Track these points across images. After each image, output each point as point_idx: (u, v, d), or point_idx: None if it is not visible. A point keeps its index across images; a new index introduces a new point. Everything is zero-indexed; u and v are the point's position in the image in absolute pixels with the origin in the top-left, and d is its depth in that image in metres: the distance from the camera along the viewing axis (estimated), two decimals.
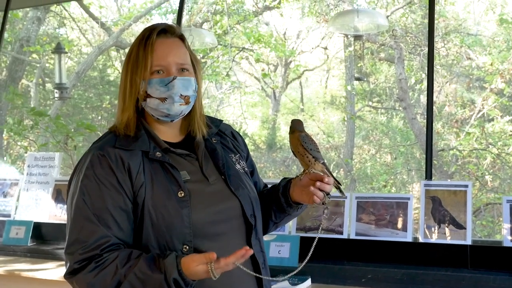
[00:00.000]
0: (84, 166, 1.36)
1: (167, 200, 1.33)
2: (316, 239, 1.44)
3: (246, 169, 1.53)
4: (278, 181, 1.57)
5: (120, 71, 1.47)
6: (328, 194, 1.42)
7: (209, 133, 1.50)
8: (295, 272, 1.40)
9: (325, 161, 1.50)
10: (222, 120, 1.58)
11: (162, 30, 1.42)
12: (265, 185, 1.66)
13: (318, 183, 1.39)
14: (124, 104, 1.41)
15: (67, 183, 1.44)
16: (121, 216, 1.32)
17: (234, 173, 1.46)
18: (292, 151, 1.52)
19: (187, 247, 1.32)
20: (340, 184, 1.51)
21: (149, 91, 1.39)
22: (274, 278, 1.47)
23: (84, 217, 1.31)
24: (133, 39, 1.61)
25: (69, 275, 1.31)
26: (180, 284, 1.24)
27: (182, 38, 1.45)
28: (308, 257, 1.44)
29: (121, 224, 1.32)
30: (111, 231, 1.30)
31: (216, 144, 1.49)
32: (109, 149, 1.36)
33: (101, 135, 1.50)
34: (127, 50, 1.50)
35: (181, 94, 1.40)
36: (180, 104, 1.40)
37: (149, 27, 1.45)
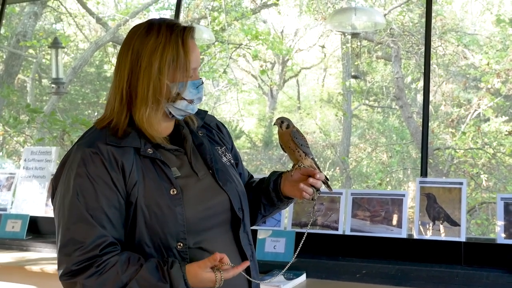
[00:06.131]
0: (75, 163, 1.31)
1: (160, 198, 1.32)
2: (305, 234, 1.48)
3: (232, 161, 1.52)
4: None
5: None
6: (318, 190, 1.43)
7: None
8: (283, 271, 1.42)
9: (314, 157, 1.52)
10: (207, 111, 1.56)
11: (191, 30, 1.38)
12: (251, 175, 1.66)
13: (310, 179, 1.41)
14: (150, 103, 1.33)
15: None
16: (114, 215, 1.30)
17: (221, 167, 1.46)
18: (281, 146, 1.53)
19: (182, 244, 1.32)
20: (327, 179, 1.52)
21: (184, 93, 1.36)
22: (272, 278, 1.49)
23: (78, 217, 1.27)
24: None
25: (65, 276, 1.26)
26: None
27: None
28: (296, 252, 1.47)
29: (115, 223, 1.30)
30: (106, 231, 1.28)
31: (203, 138, 1.48)
32: (100, 145, 1.32)
33: None
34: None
35: None
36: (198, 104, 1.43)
37: (179, 25, 1.37)
